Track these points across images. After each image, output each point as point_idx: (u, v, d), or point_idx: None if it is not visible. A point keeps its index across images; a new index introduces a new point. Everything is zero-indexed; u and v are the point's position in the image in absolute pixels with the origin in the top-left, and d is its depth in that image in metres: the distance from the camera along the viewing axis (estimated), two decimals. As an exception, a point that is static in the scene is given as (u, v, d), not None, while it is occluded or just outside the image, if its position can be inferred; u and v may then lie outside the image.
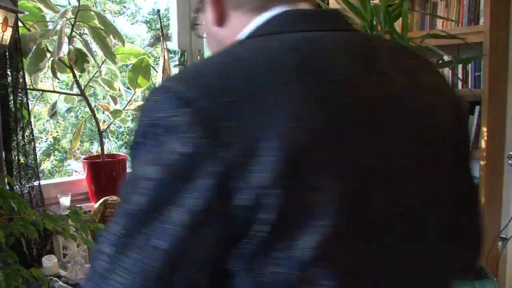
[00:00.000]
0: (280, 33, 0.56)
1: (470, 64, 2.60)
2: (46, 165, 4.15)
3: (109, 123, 2.39)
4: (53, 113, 2.07)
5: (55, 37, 1.79)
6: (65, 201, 1.92)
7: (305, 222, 0.46)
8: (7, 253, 1.37)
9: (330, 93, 0.50)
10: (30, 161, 1.80)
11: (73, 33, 1.92)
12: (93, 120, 2.17)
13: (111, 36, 1.95)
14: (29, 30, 1.86)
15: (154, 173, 0.45)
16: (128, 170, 1.47)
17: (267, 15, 0.59)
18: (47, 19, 1.93)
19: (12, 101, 1.74)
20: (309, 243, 0.46)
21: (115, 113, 2.18)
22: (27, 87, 1.82)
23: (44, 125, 3.90)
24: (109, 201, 1.89)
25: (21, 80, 1.76)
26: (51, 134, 4.06)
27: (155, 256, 0.44)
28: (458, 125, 0.63)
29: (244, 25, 0.60)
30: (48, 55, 1.86)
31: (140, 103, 2.23)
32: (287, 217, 0.46)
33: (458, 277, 0.70)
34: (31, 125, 1.84)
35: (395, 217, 0.53)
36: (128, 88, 2.24)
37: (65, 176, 4.13)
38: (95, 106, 2.39)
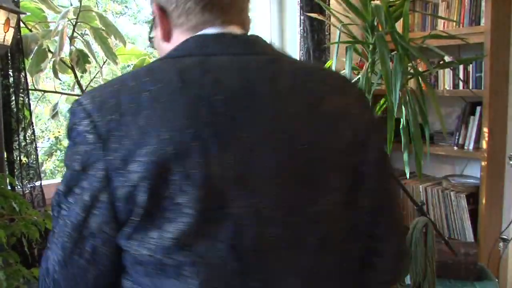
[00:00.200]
0: (184, 56, 0.66)
1: (471, 65, 2.60)
2: (47, 165, 4.15)
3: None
4: (54, 114, 2.08)
5: (57, 38, 1.79)
6: (67, 201, 1.92)
7: (169, 217, 0.59)
8: (8, 253, 1.38)
9: (202, 111, 0.60)
10: (31, 161, 1.80)
11: (75, 34, 1.92)
12: (95, 121, 2.17)
13: (112, 37, 1.95)
14: (30, 30, 1.86)
15: (69, 164, 0.64)
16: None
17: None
18: (49, 19, 1.93)
19: (14, 102, 1.75)
20: (170, 233, 0.59)
21: (116, 114, 2.18)
22: (29, 87, 1.82)
23: (45, 123, 3.91)
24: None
25: (22, 80, 1.76)
26: (53, 133, 4.07)
27: (66, 224, 0.63)
28: (362, 145, 0.69)
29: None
30: (50, 55, 1.87)
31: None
32: (153, 210, 0.60)
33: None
34: (33, 126, 1.85)
35: (249, 220, 0.62)
36: (129, 88, 2.24)
37: (66, 176, 4.12)
38: (96, 107, 2.38)
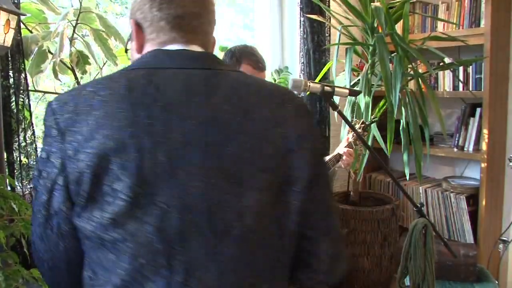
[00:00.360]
0: (138, 68, 0.79)
1: (471, 66, 2.60)
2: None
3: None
4: (54, 115, 2.08)
5: (57, 39, 1.80)
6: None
7: (108, 200, 0.72)
8: (8, 254, 1.38)
9: (141, 115, 0.73)
10: (31, 162, 1.81)
11: (75, 35, 1.93)
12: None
13: (112, 38, 1.95)
14: (31, 32, 1.87)
15: (40, 152, 0.79)
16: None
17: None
18: (49, 21, 1.94)
19: (14, 102, 1.76)
20: (108, 214, 0.72)
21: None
22: (29, 88, 1.82)
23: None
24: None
25: (23, 81, 1.77)
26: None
27: (39, 203, 0.77)
28: (293, 151, 0.78)
29: None
30: (50, 56, 1.87)
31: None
32: (95, 194, 0.72)
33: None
34: (33, 126, 1.85)
35: (174, 208, 0.73)
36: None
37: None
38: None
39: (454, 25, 2.66)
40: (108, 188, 0.72)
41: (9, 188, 1.54)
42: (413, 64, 2.52)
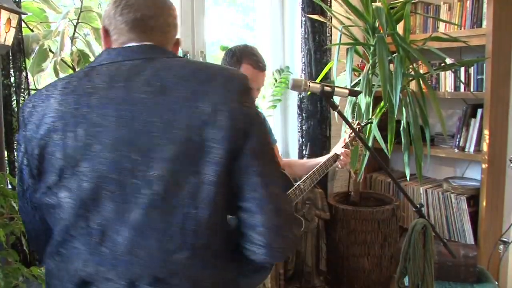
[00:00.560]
0: (90, 66, 0.94)
1: (472, 67, 2.59)
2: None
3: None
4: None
5: (58, 38, 1.80)
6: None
7: (47, 172, 0.90)
8: (8, 252, 1.38)
9: (70, 102, 0.89)
10: (32, 160, 1.81)
11: (76, 34, 1.93)
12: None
13: (113, 37, 1.96)
14: (32, 30, 1.87)
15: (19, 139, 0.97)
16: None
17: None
18: (50, 20, 1.94)
19: (15, 101, 1.76)
20: (47, 183, 0.90)
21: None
22: (30, 87, 1.83)
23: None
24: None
25: (24, 80, 1.77)
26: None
27: (17, 180, 0.99)
28: (210, 124, 0.83)
29: None
30: (51, 55, 1.88)
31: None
32: (41, 168, 0.91)
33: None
34: (34, 125, 1.85)
35: (90, 177, 0.86)
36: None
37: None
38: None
39: (455, 26, 2.66)
40: (48, 163, 0.90)
41: (9, 187, 1.54)
42: (414, 64, 2.51)
